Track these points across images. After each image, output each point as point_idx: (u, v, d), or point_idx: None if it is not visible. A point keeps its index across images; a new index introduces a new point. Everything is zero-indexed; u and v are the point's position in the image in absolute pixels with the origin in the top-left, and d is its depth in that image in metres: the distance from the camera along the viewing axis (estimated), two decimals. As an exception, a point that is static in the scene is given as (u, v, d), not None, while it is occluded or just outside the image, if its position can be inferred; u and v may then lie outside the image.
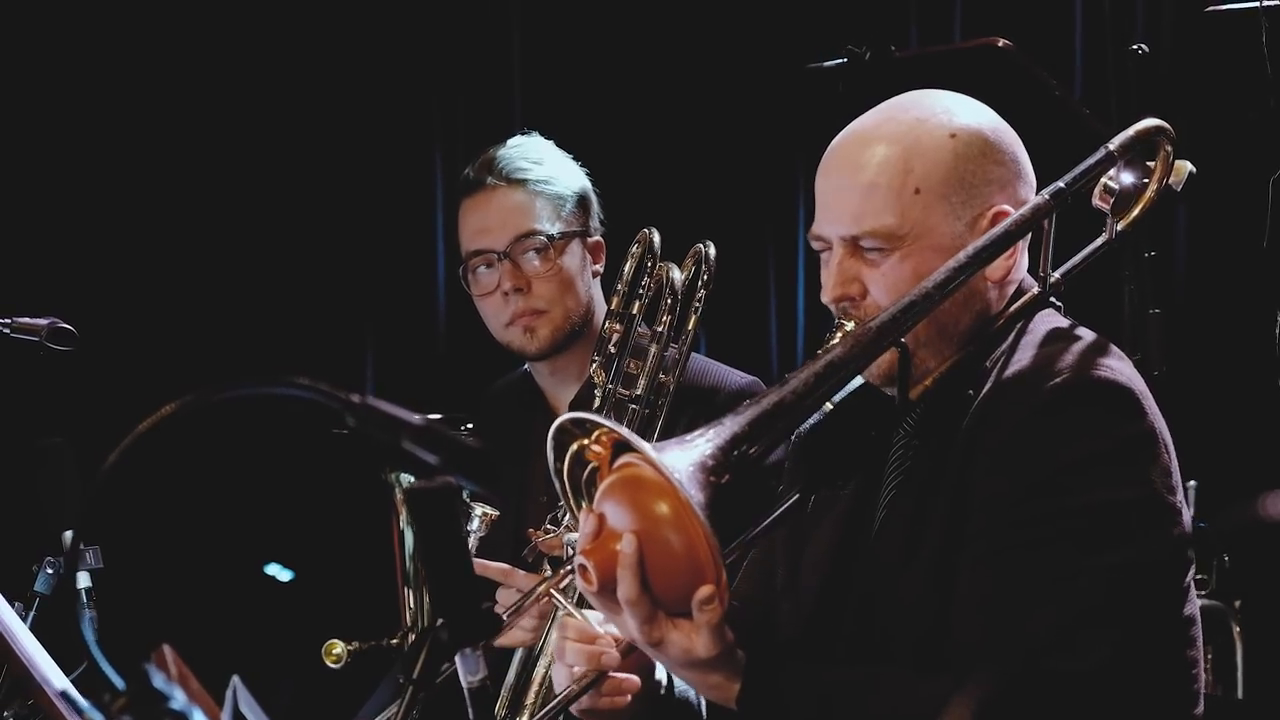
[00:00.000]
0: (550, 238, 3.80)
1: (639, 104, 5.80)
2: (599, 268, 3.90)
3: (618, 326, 3.57)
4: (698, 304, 3.55)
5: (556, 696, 2.71)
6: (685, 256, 3.56)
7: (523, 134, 3.97)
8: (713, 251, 3.55)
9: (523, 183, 3.82)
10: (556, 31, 6.01)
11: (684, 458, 2.42)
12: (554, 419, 3.74)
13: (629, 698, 2.72)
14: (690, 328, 3.54)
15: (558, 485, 2.59)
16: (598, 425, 2.52)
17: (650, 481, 2.43)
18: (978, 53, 4.46)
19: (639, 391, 3.51)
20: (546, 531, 3.50)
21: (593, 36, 5.95)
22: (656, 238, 3.61)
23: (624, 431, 2.47)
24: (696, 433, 2.47)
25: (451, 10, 6.02)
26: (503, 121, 5.84)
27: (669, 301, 3.53)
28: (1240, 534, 4.25)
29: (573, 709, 2.72)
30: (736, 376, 3.83)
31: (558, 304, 3.80)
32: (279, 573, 5.63)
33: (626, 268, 3.60)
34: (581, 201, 3.88)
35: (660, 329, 3.53)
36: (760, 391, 3.68)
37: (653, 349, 3.53)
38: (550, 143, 3.94)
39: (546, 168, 3.86)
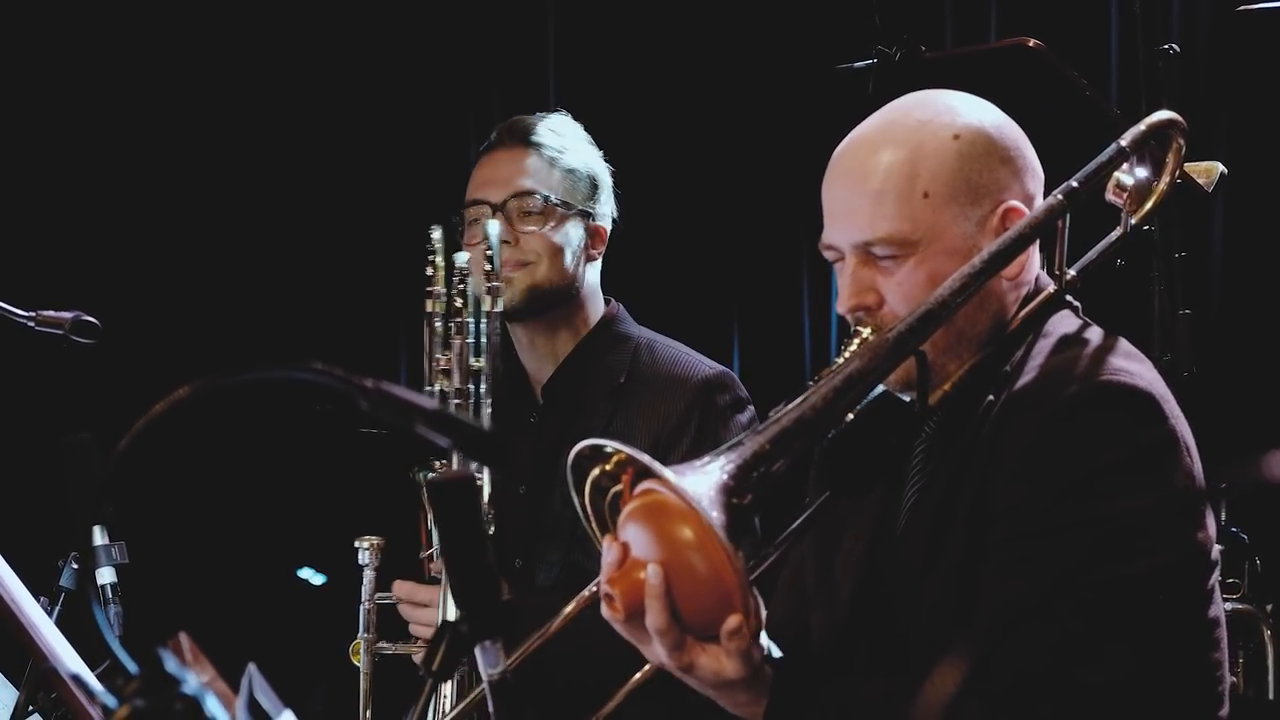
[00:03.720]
0: (547, 199, 3.82)
1: (670, 104, 5.80)
2: (596, 253, 3.91)
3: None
4: (493, 283, 3.60)
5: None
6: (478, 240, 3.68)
7: (556, 111, 4.01)
8: (494, 230, 3.61)
9: (537, 147, 3.87)
10: (590, 31, 6.01)
11: (704, 481, 2.42)
12: (534, 401, 3.82)
13: None
14: (489, 308, 3.61)
15: (581, 514, 2.58)
16: (616, 451, 2.51)
17: (672, 506, 2.42)
18: (1008, 53, 4.44)
19: (456, 384, 3.55)
20: (433, 558, 3.64)
21: (625, 38, 5.95)
22: (436, 234, 3.66)
23: (643, 458, 2.45)
24: (716, 453, 2.47)
25: (486, 8, 6.03)
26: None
27: (460, 287, 3.59)
28: (1243, 492, 4.22)
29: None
30: (706, 366, 3.86)
31: (543, 261, 3.82)
32: (311, 576, 5.63)
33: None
34: (593, 184, 3.91)
35: (463, 318, 3.60)
36: (731, 383, 3.78)
37: (456, 340, 3.58)
38: (578, 126, 3.98)
39: (565, 141, 3.90)
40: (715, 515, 2.36)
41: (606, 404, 3.78)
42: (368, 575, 3.79)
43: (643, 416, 3.78)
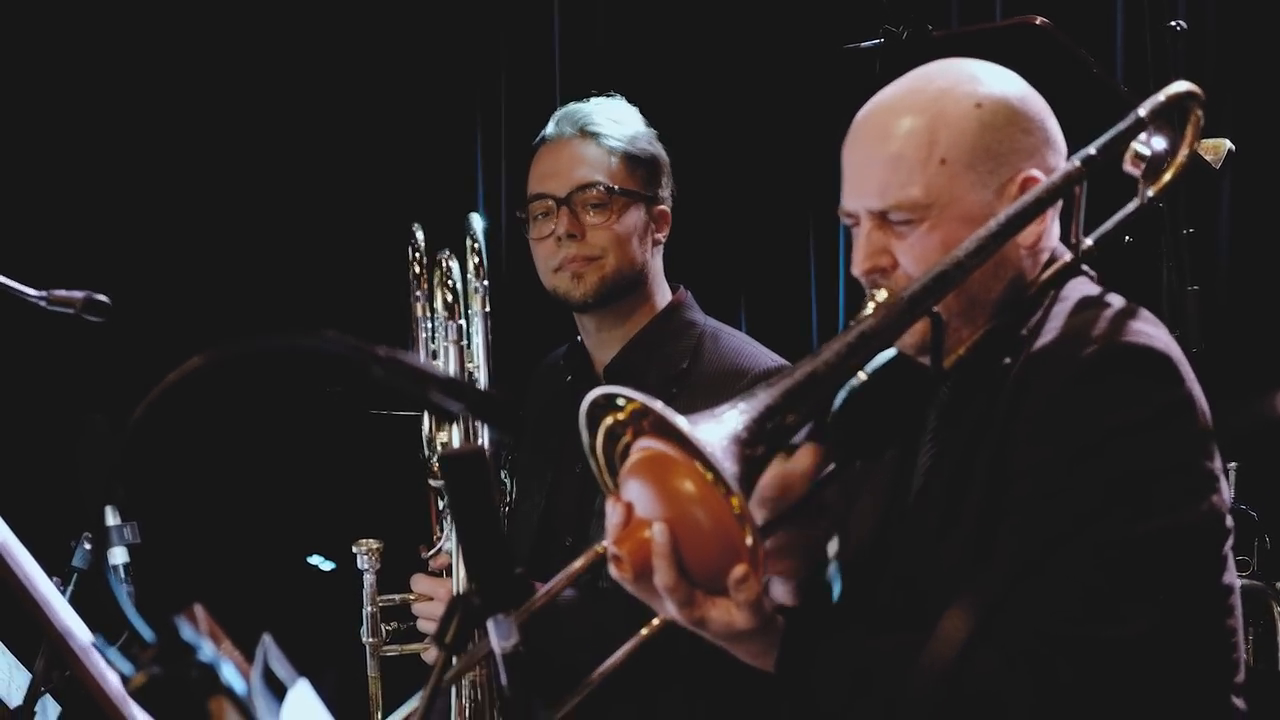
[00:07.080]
0: (610, 190, 3.79)
1: (677, 83, 5.80)
2: (661, 237, 3.89)
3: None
4: (480, 285, 3.62)
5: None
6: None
7: (608, 96, 3.98)
8: (479, 225, 3.67)
9: (595, 136, 3.83)
10: (596, 12, 6.01)
11: (717, 430, 2.41)
12: (596, 383, 3.80)
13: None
14: (479, 309, 3.65)
15: (591, 463, 2.58)
16: (630, 400, 2.50)
17: (673, 459, 2.41)
18: (1016, 31, 4.44)
19: None
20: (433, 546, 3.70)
21: (632, 17, 5.96)
22: (420, 235, 3.64)
23: (656, 405, 2.44)
24: (728, 405, 2.46)
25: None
26: (543, 99, 5.86)
27: (451, 282, 3.64)
28: (1253, 433, 4.22)
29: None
30: (768, 359, 3.80)
31: (610, 254, 3.80)
32: (321, 563, 5.64)
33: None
34: (653, 168, 3.87)
35: (453, 321, 3.64)
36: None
37: (450, 346, 3.60)
38: (634, 108, 3.94)
39: (623, 128, 3.86)
40: (729, 466, 2.36)
41: (667, 389, 3.71)
42: (368, 579, 3.79)
43: (700, 404, 3.74)
